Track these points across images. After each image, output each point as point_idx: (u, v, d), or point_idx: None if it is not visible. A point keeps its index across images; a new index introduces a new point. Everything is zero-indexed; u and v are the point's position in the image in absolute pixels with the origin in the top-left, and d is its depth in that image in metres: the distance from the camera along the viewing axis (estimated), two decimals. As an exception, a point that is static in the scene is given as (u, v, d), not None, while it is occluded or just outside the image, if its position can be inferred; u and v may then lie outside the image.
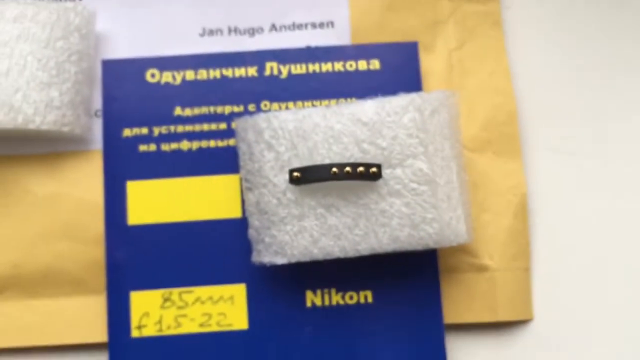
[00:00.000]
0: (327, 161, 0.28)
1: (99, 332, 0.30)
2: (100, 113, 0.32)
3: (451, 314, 0.31)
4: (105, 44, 0.33)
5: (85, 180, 0.31)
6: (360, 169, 0.27)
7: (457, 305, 0.31)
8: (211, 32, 0.33)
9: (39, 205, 0.31)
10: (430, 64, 0.33)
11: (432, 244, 0.28)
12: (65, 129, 0.30)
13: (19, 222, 0.31)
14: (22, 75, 0.30)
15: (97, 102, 0.32)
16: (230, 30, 0.33)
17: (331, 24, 0.33)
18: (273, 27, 0.33)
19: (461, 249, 0.31)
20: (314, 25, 0.33)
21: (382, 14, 0.33)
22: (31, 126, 0.30)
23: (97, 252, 0.31)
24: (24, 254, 0.31)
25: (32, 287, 0.31)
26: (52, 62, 0.30)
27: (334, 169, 0.27)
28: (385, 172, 0.28)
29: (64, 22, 0.31)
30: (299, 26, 0.33)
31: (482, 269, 0.31)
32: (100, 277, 0.31)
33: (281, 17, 0.33)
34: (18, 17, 0.30)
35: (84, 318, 0.31)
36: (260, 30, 0.33)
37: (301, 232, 0.28)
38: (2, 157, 0.32)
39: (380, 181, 0.28)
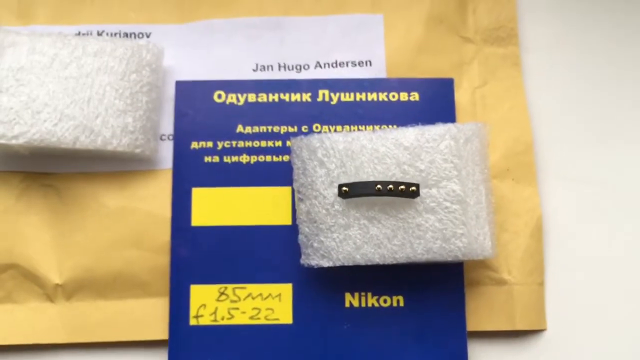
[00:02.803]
0: (371, 179, 0.31)
1: (160, 330, 0.33)
2: (165, 137, 0.35)
3: (473, 322, 0.33)
4: (171, 78, 0.36)
5: (152, 195, 0.35)
6: (401, 187, 0.31)
7: (478, 314, 0.34)
8: (263, 68, 0.36)
9: (112, 217, 0.34)
10: (457, 99, 0.36)
11: (461, 257, 0.31)
12: (138, 150, 0.34)
13: (93, 231, 0.34)
14: (101, 103, 0.33)
15: (164, 128, 0.35)
16: (280, 67, 0.36)
17: (369, 62, 0.36)
18: (318, 64, 0.36)
19: (484, 265, 0.34)
20: (354, 64, 0.36)
21: (414, 55, 0.36)
22: (109, 147, 0.33)
23: (161, 260, 0.34)
24: (97, 259, 0.34)
25: (103, 289, 0.34)
26: (127, 92, 0.34)
27: (378, 186, 0.31)
28: (423, 191, 0.31)
29: (137, 58, 0.34)
30: (341, 64, 0.36)
31: (502, 282, 0.34)
32: (163, 282, 0.34)
33: (325, 56, 0.36)
34: (98, 52, 0.34)
35: (148, 317, 0.34)
36: (307, 66, 0.36)
37: (346, 239, 0.31)
38: (79, 174, 0.35)
39: (417, 199, 0.31)
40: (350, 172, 0.32)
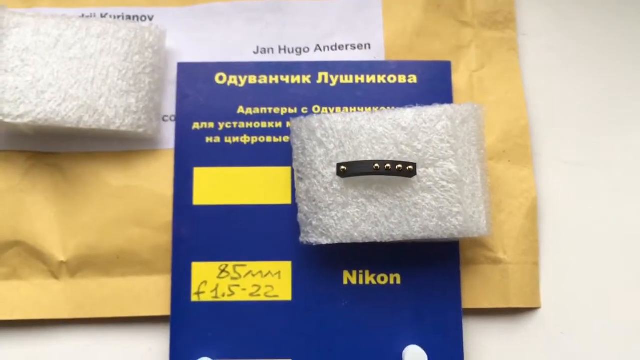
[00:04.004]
0: (369, 158, 0.32)
1: (162, 306, 0.34)
2: (167, 118, 0.36)
3: (469, 300, 0.34)
4: (173, 60, 0.36)
5: (154, 175, 0.35)
6: (399, 166, 0.31)
7: (474, 292, 0.34)
8: (264, 50, 0.37)
9: (114, 196, 0.35)
10: (454, 82, 0.36)
11: (456, 234, 0.31)
12: (140, 130, 0.34)
13: (96, 210, 0.35)
14: (105, 83, 0.34)
15: (166, 109, 0.36)
16: (280, 49, 0.37)
17: (368, 45, 0.37)
18: (318, 48, 0.37)
19: (479, 244, 0.35)
20: (353, 47, 0.37)
21: (412, 39, 0.37)
22: (112, 127, 0.34)
23: (163, 238, 0.34)
24: (100, 237, 0.34)
25: (106, 266, 0.34)
26: (130, 73, 0.34)
27: (376, 165, 0.31)
28: (419, 170, 0.32)
29: (140, 40, 0.35)
30: (340, 47, 0.37)
31: (497, 261, 0.35)
32: (164, 259, 0.34)
33: (325, 39, 0.37)
34: (101, 34, 0.34)
35: (150, 294, 0.34)
36: (307, 49, 0.37)
37: (344, 217, 0.32)
38: (83, 153, 0.35)
39: (414, 178, 0.32)
40: (348, 152, 0.32)
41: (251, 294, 0.34)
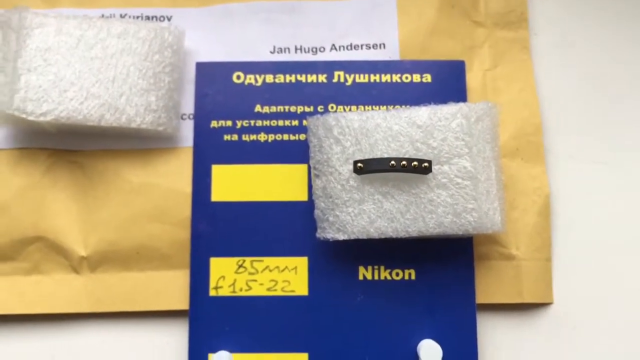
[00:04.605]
0: (385, 156, 0.33)
1: (181, 301, 0.35)
2: (186, 116, 0.37)
3: (482, 295, 0.35)
4: (191, 60, 0.37)
5: (173, 172, 0.36)
6: (414, 163, 0.32)
7: (487, 287, 0.35)
8: (280, 50, 0.37)
9: (134, 192, 0.35)
10: (468, 81, 0.37)
11: (471, 230, 0.32)
12: (160, 128, 0.35)
13: (116, 206, 0.35)
14: (125, 82, 0.34)
15: (185, 107, 0.37)
16: (296, 49, 0.37)
17: (383, 45, 0.38)
18: (333, 47, 0.38)
19: (493, 240, 0.35)
20: (368, 46, 0.38)
21: (426, 38, 0.37)
22: (133, 125, 0.34)
23: (182, 233, 0.35)
24: (120, 233, 0.35)
25: (126, 261, 0.35)
26: (150, 72, 0.35)
27: (392, 162, 0.32)
28: (435, 167, 0.32)
29: (159, 40, 0.35)
30: (356, 47, 0.38)
31: (510, 257, 0.35)
32: (183, 255, 0.35)
33: (340, 39, 0.38)
34: (122, 34, 0.35)
35: (169, 289, 0.35)
36: (322, 49, 0.37)
37: (360, 214, 0.33)
38: (104, 151, 0.36)
39: (430, 175, 0.32)
40: (365, 149, 0.33)
41: (268, 289, 0.34)
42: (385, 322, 0.34)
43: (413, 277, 0.34)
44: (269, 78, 0.36)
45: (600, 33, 0.38)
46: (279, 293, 0.34)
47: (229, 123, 0.36)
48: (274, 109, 0.36)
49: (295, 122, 0.36)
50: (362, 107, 0.36)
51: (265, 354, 0.34)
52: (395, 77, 0.36)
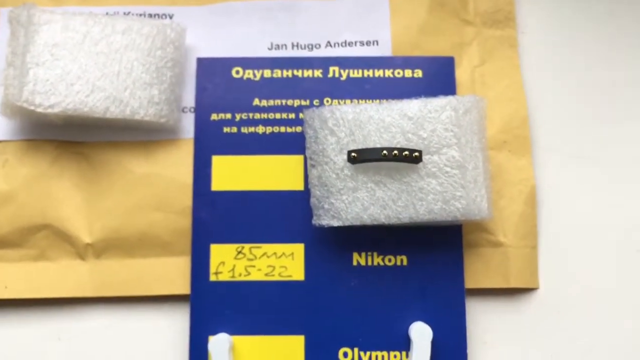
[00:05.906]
0: (378, 146, 0.34)
1: (182, 286, 0.36)
2: (187, 109, 0.38)
3: (471, 280, 0.36)
4: (192, 55, 0.39)
5: (175, 163, 0.37)
6: (405, 153, 0.33)
7: (476, 273, 0.36)
8: (277, 47, 0.39)
9: (137, 182, 0.37)
10: (457, 77, 0.38)
11: (459, 217, 0.33)
12: (162, 120, 0.36)
13: (120, 195, 0.37)
14: (129, 76, 0.36)
15: (186, 101, 0.38)
16: (293, 46, 0.39)
17: (376, 42, 0.39)
18: (328, 44, 0.39)
19: (481, 228, 0.37)
20: (362, 43, 0.39)
21: (417, 36, 0.39)
22: (136, 117, 0.36)
23: (183, 221, 0.36)
24: (124, 221, 0.36)
25: (130, 248, 0.36)
26: (153, 67, 0.36)
27: (384, 152, 0.33)
28: (425, 157, 0.34)
29: (162, 36, 0.37)
30: (350, 43, 0.39)
31: (498, 244, 0.37)
32: (184, 242, 0.36)
33: (335, 36, 0.39)
34: (126, 30, 0.36)
35: (171, 274, 0.36)
36: (318, 46, 0.39)
37: (354, 201, 0.34)
38: (108, 142, 0.37)
39: (420, 164, 0.34)
40: (358, 140, 0.34)
41: (266, 274, 0.36)
42: (378, 305, 0.35)
43: (405, 263, 0.36)
44: (267, 73, 0.38)
45: (585, 31, 0.40)
46: (277, 278, 0.36)
47: (229, 116, 0.37)
48: (271, 102, 0.38)
49: (292, 115, 0.37)
50: (356, 100, 0.37)
51: (263, 336, 0.35)
52: (388, 72, 0.38)
